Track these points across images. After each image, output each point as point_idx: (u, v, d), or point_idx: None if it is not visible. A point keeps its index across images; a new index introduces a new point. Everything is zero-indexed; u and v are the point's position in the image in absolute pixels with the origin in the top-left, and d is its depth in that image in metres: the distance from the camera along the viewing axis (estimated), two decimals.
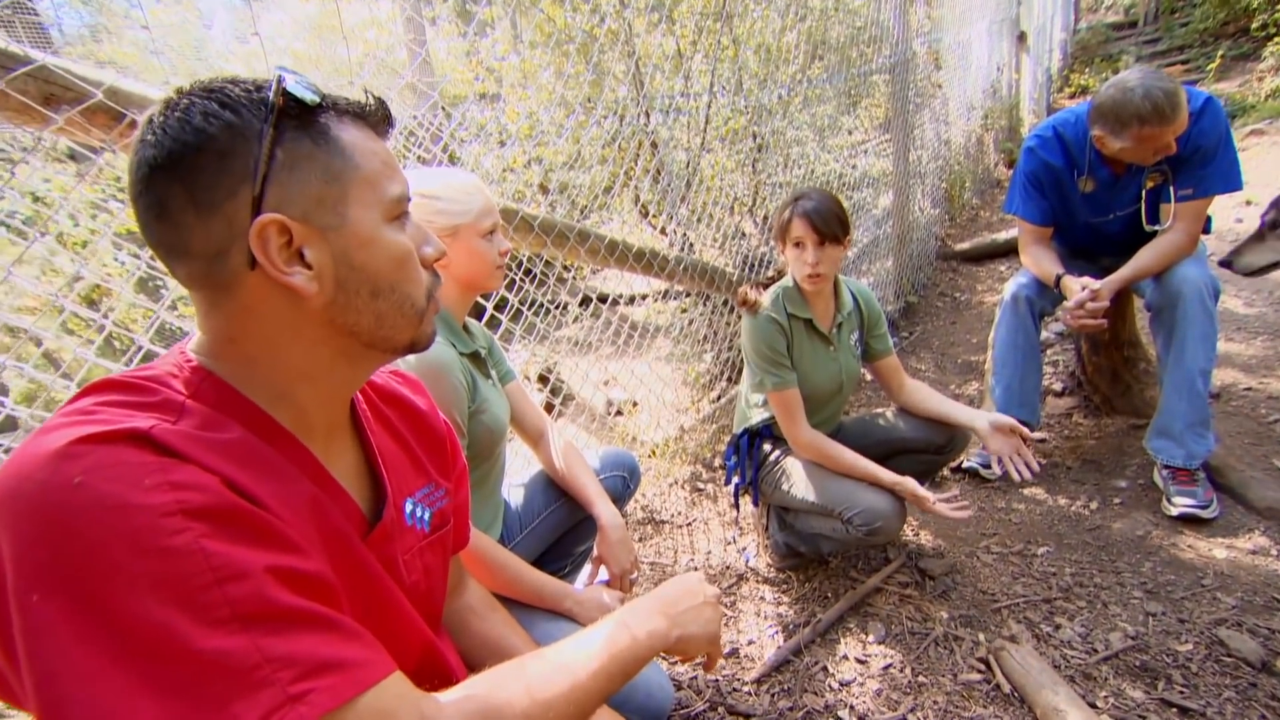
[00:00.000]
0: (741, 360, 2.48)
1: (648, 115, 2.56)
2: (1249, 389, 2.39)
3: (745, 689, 1.49)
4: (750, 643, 1.63)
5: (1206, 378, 1.84)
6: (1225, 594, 1.57)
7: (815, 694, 1.45)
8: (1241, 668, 1.36)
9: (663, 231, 2.86)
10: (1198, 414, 1.85)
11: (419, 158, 1.60)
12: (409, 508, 0.72)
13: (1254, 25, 8.14)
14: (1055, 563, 1.76)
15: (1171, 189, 1.86)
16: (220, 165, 0.51)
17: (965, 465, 2.21)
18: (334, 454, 0.65)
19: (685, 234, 2.68)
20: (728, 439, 2.06)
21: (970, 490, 2.15)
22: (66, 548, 0.42)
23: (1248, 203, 4.04)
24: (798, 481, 1.69)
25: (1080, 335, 2.43)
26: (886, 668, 1.49)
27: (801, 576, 1.84)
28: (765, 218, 3.19)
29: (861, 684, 1.46)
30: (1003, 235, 4.39)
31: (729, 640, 1.64)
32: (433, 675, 0.71)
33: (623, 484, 1.53)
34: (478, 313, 1.71)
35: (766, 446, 1.82)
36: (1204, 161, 1.81)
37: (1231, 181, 1.84)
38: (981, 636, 1.53)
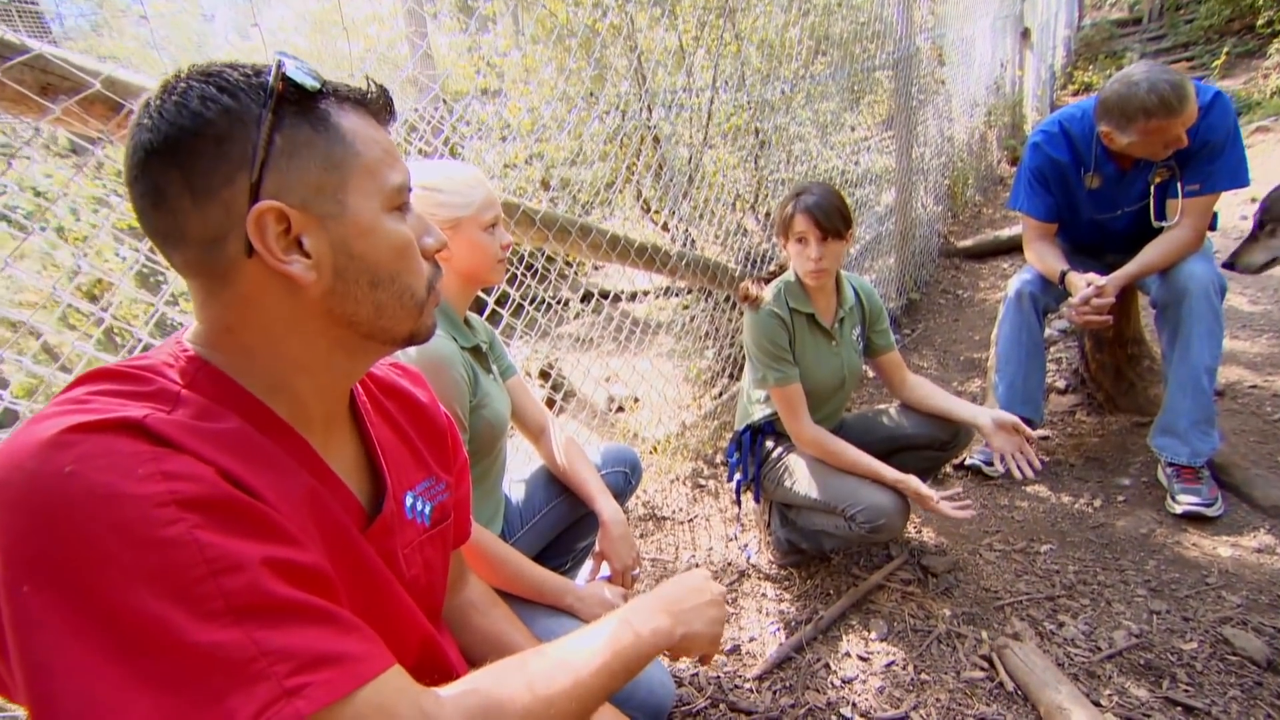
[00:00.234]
0: (743, 356, 2.47)
1: (650, 110, 2.55)
2: (1254, 386, 2.37)
3: (747, 686, 1.48)
4: (752, 639, 1.62)
5: (1212, 375, 1.83)
6: (1230, 592, 1.56)
7: (817, 691, 1.44)
8: (1247, 666, 1.35)
9: (665, 227, 2.85)
10: (1203, 411, 1.83)
11: (420, 150, 1.59)
12: (409, 501, 0.71)
13: (1259, 22, 8.10)
14: (1058, 560, 1.75)
15: (1179, 184, 1.84)
16: (218, 151, 0.50)
17: (968, 462, 2.20)
18: (333, 446, 0.64)
19: (687, 230, 2.67)
20: (729, 435, 2.06)
21: (973, 487, 2.14)
22: (57, 539, 0.41)
23: (1252, 200, 4.02)
24: (800, 478, 1.68)
25: (1084, 332, 2.42)
26: (889, 665, 1.48)
27: (803, 573, 1.83)
28: (767, 214, 3.18)
29: (864, 681, 1.45)
30: (1005, 232, 4.37)
31: (730, 637, 1.63)
32: (433, 670, 0.70)
33: (624, 479, 1.52)
34: (479, 308, 1.70)
35: (769, 443, 1.81)
36: (1211, 157, 1.79)
37: (1239, 177, 1.82)
38: (984, 634, 1.52)
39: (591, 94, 2.56)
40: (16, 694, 0.43)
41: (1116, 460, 2.15)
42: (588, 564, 1.56)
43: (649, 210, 3.04)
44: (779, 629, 1.64)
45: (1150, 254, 1.86)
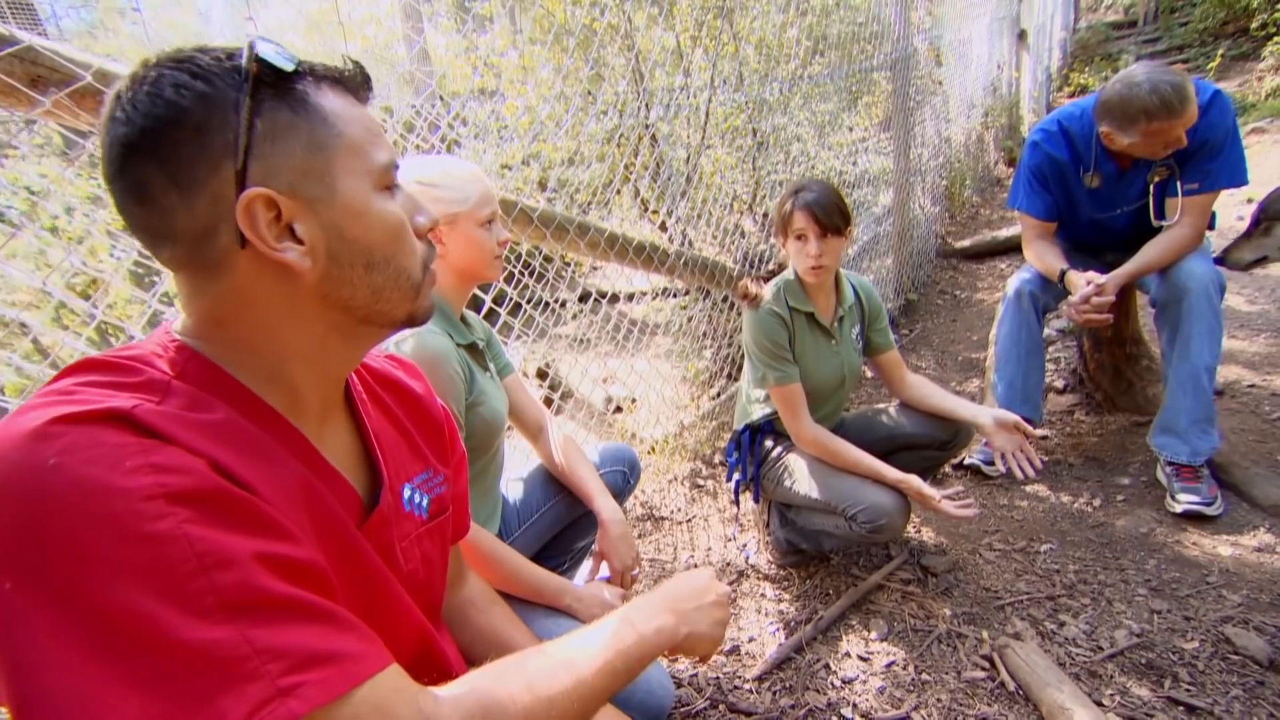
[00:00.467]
0: (741, 357, 2.46)
1: (648, 108, 2.54)
2: (1252, 386, 2.37)
3: (746, 687, 1.47)
4: (751, 640, 1.61)
5: (1211, 374, 1.83)
6: (1231, 591, 1.55)
7: (817, 692, 1.43)
8: (1249, 666, 1.35)
9: (663, 227, 2.84)
10: (1203, 410, 1.83)
11: (416, 147, 1.58)
12: (407, 494, 0.70)
13: (1253, 25, 8.14)
14: (1059, 560, 1.74)
15: (1178, 183, 1.84)
16: (198, 140, 0.49)
17: (967, 462, 2.19)
18: (328, 438, 0.63)
19: (685, 231, 2.66)
20: (728, 436, 2.05)
21: (972, 487, 2.13)
22: (41, 533, 0.40)
23: (1249, 200, 4.03)
24: (800, 477, 1.67)
25: (1082, 332, 2.41)
26: (889, 665, 1.47)
27: (803, 573, 1.82)
28: (765, 215, 3.17)
29: (864, 682, 1.44)
30: (1003, 233, 4.38)
31: (729, 637, 1.62)
32: (430, 668, 0.69)
33: (623, 479, 1.51)
34: (475, 307, 1.69)
35: (768, 442, 1.80)
36: (1211, 156, 1.79)
37: (1238, 176, 1.82)
38: (985, 634, 1.51)
39: (589, 93, 2.55)
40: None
41: (1116, 460, 2.14)
42: (586, 564, 1.54)
43: (646, 209, 3.03)
44: (778, 629, 1.63)
45: (1150, 252, 1.86)
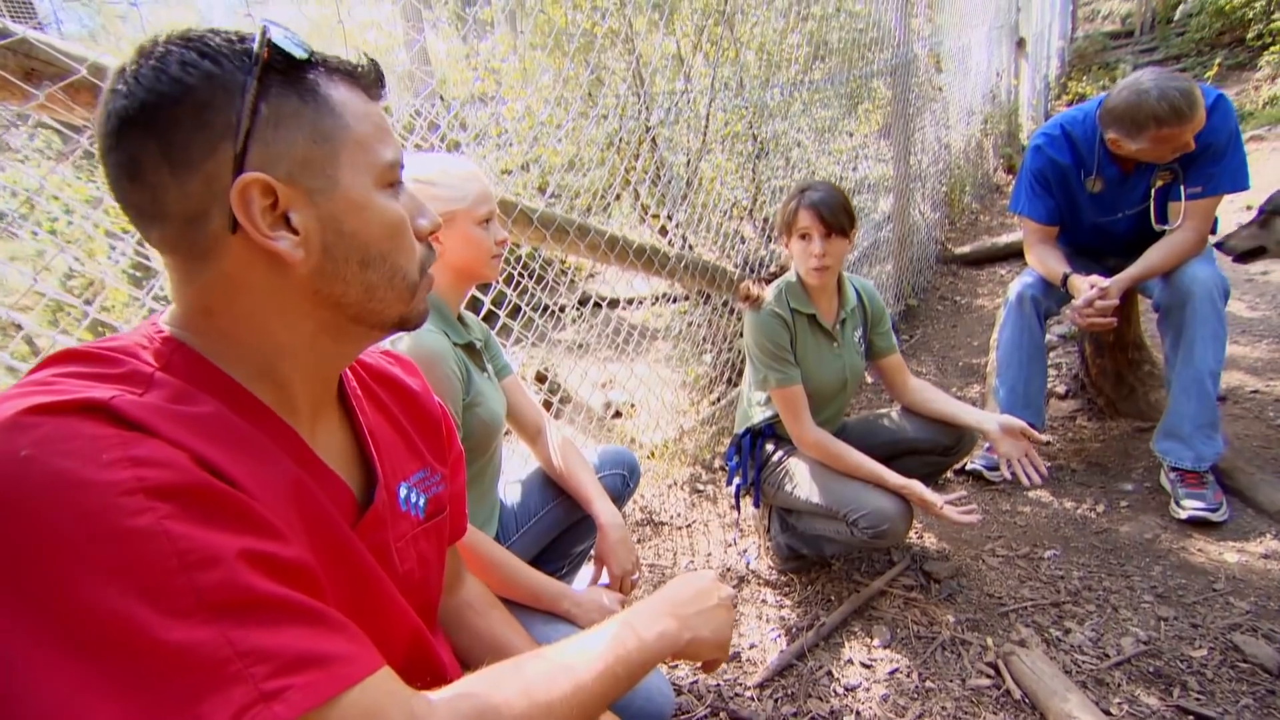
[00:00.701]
0: (741, 361, 2.44)
1: (648, 109, 2.54)
2: (1256, 391, 2.36)
3: (748, 694, 1.45)
4: (752, 646, 1.59)
5: (1215, 378, 1.81)
6: (1238, 598, 1.53)
7: (820, 699, 1.41)
8: (1258, 674, 1.33)
9: (663, 231, 2.83)
10: (1207, 415, 1.82)
11: (415, 145, 1.57)
12: (403, 493, 0.68)
13: (1249, 35, 8.20)
14: (1063, 566, 1.72)
15: (1181, 187, 1.84)
16: (199, 119, 0.47)
17: (969, 467, 2.17)
18: (321, 435, 0.61)
19: (685, 235, 2.65)
20: (728, 441, 2.03)
21: (974, 492, 2.11)
22: (11, 529, 0.38)
23: (1248, 207, 4.03)
24: (801, 482, 1.65)
25: (1084, 337, 2.40)
26: (893, 672, 1.45)
27: (804, 579, 1.80)
28: (766, 220, 3.17)
29: (867, 689, 1.42)
30: (1003, 239, 4.38)
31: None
32: (423, 672, 0.67)
33: (622, 482, 1.49)
34: (474, 309, 1.67)
35: (769, 446, 1.78)
36: (1214, 160, 1.79)
37: (1240, 181, 1.81)
38: (990, 641, 1.49)
39: (590, 94, 2.55)
40: None
41: (1119, 465, 2.12)
42: (585, 569, 1.52)
43: (647, 213, 3.02)
44: (780, 636, 1.61)
45: (1153, 256, 1.85)
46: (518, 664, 0.57)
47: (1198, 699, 1.29)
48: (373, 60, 0.57)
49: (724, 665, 1.53)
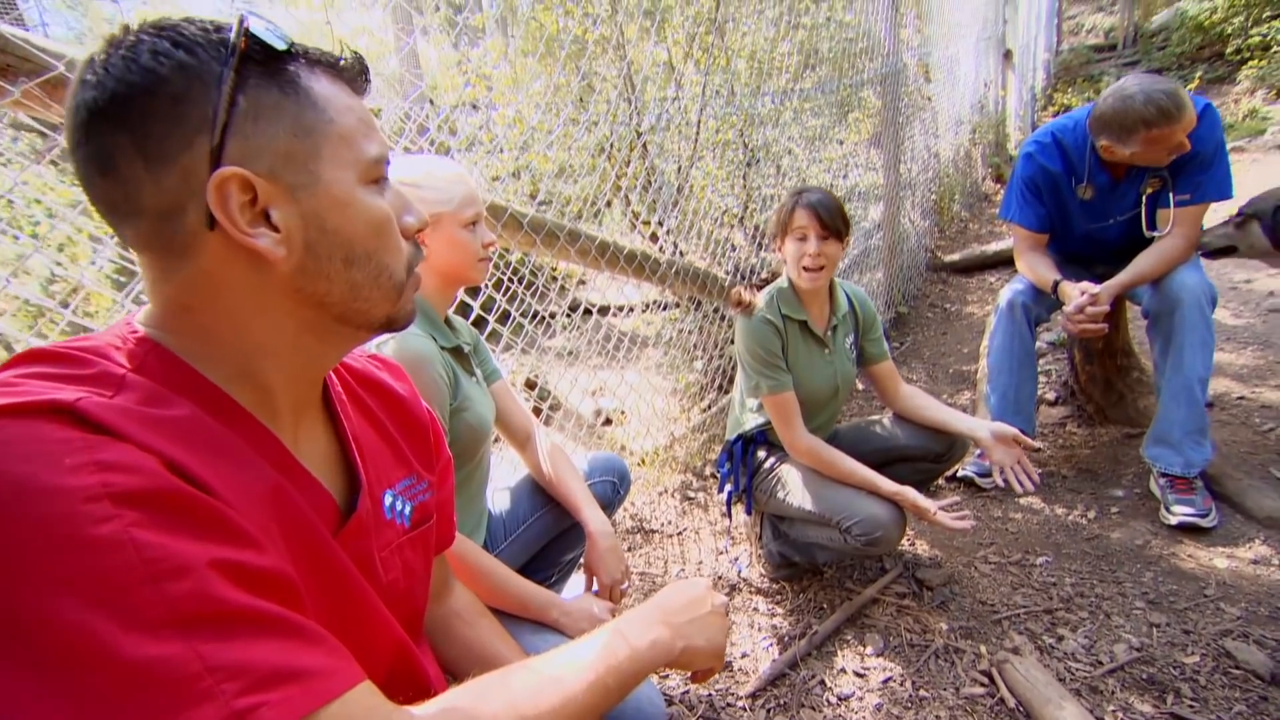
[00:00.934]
0: (732, 368, 2.43)
1: (639, 115, 2.53)
2: (1242, 398, 2.38)
3: (740, 704, 1.43)
4: (744, 655, 1.57)
5: (1204, 385, 1.82)
6: (1229, 604, 1.53)
7: (813, 709, 1.39)
8: (1251, 680, 1.32)
9: (654, 238, 2.82)
10: (1196, 421, 1.82)
11: (405, 149, 1.56)
12: (388, 500, 0.66)
13: (1229, 50, 8.39)
14: (1055, 573, 1.72)
15: (1170, 194, 1.85)
16: (173, 112, 0.46)
17: (960, 474, 2.17)
18: (303, 440, 0.59)
19: (676, 242, 2.65)
20: (719, 448, 2.01)
21: (966, 499, 2.11)
22: None
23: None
24: (794, 489, 1.64)
25: (1073, 344, 2.41)
26: (886, 681, 1.43)
27: (796, 587, 1.78)
28: (757, 228, 3.17)
29: (861, 698, 1.40)
30: (992, 247, 4.41)
31: None
32: (407, 685, 0.65)
33: (612, 490, 1.47)
34: (463, 314, 1.65)
35: (761, 453, 1.77)
36: (1202, 167, 1.81)
37: (1225, 189, 1.84)
38: (983, 648, 1.48)
39: (581, 100, 2.54)
40: None
41: (1109, 472, 2.13)
42: (574, 577, 1.50)
43: (637, 221, 3.02)
44: (772, 644, 1.59)
45: (1143, 263, 1.86)
46: (504, 676, 0.55)
47: (1191, 706, 1.28)
48: (357, 54, 0.55)
49: (716, 675, 1.51)
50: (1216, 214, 1.91)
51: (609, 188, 2.65)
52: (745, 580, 1.84)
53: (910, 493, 1.50)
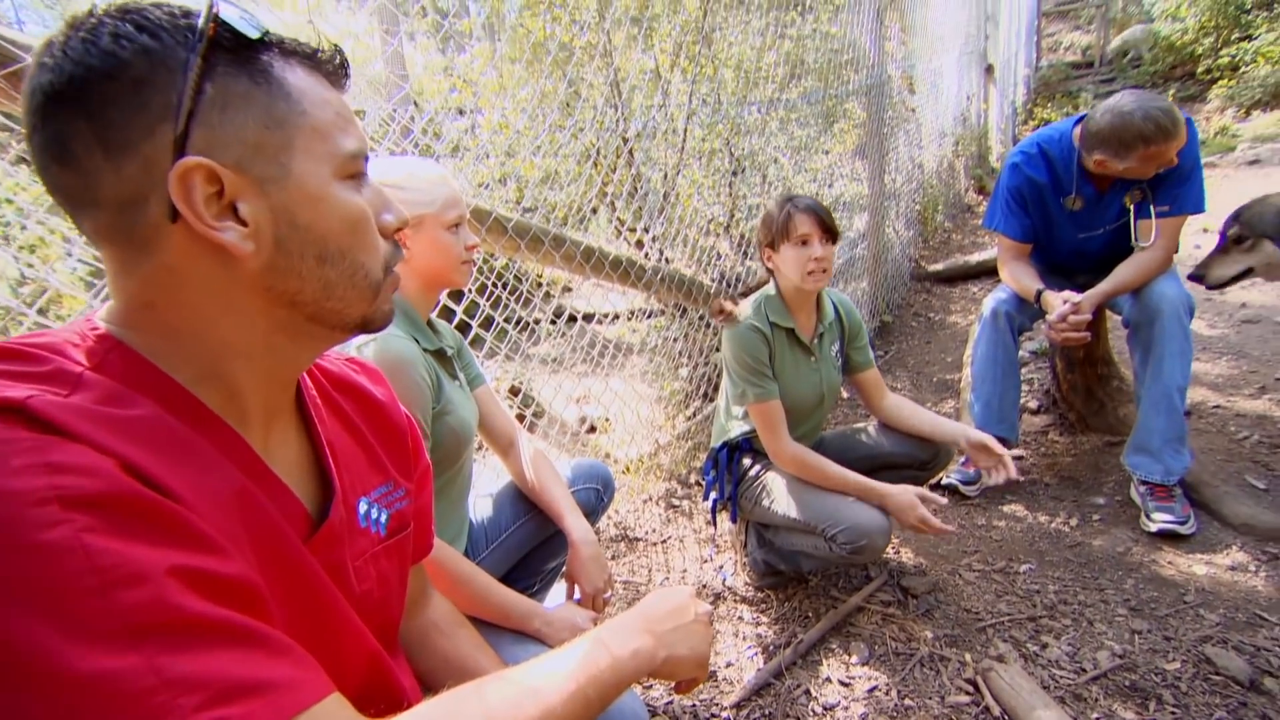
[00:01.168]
0: (718, 376, 2.42)
1: (626, 121, 2.53)
2: (1218, 407, 2.42)
3: (724, 714, 1.41)
4: (728, 665, 1.55)
5: (1183, 394, 1.85)
6: (1208, 610, 1.54)
7: (797, 719, 1.37)
8: (1230, 686, 1.33)
9: (639, 245, 2.82)
10: (1175, 430, 1.85)
11: (389, 150, 1.54)
12: (363, 508, 0.64)
13: (1199, 70, 8.64)
14: (1038, 580, 1.72)
15: (1151, 206, 1.88)
16: (135, 98, 0.44)
17: (945, 482, 2.18)
18: (274, 445, 0.57)
19: (662, 250, 2.64)
20: (704, 456, 2.00)
21: (950, 507, 2.11)
22: None
23: (1204, 230, 4.18)
24: (779, 497, 1.63)
25: (1055, 353, 2.44)
26: (872, 690, 1.42)
27: (781, 595, 1.77)
28: (743, 237, 3.18)
29: (846, 708, 1.39)
30: (975, 257, 4.46)
31: None
32: (381, 699, 0.62)
33: (596, 497, 1.45)
34: (446, 319, 1.63)
35: (746, 461, 1.76)
36: (1180, 181, 1.84)
37: (1200, 203, 1.87)
38: (968, 656, 1.48)
39: (568, 105, 2.54)
40: None
41: (1090, 479, 2.15)
42: (557, 586, 1.48)
43: (623, 227, 3.01)
44: (756, 654, 1.57)
45: (1124, 273, 1.89)
46: (479, 688, 0.53)
47: (1173, 712, 1.29)
48: (336, 46, 0.53)
49: (700, 685, 1.49)
50: (1189, 225, 1.94)
51: (594, 194, 2.65)
52: (730, 589, 1.83)
53: (898, 494, 1.51)
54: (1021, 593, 1.68)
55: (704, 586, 1.84)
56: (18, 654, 0.34)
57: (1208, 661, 1.39)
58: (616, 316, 4.06)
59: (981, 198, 6.27)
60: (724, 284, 2.81)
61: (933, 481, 2.17)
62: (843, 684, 1.45)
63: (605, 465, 1.50)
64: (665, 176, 2.83)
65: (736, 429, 1.76)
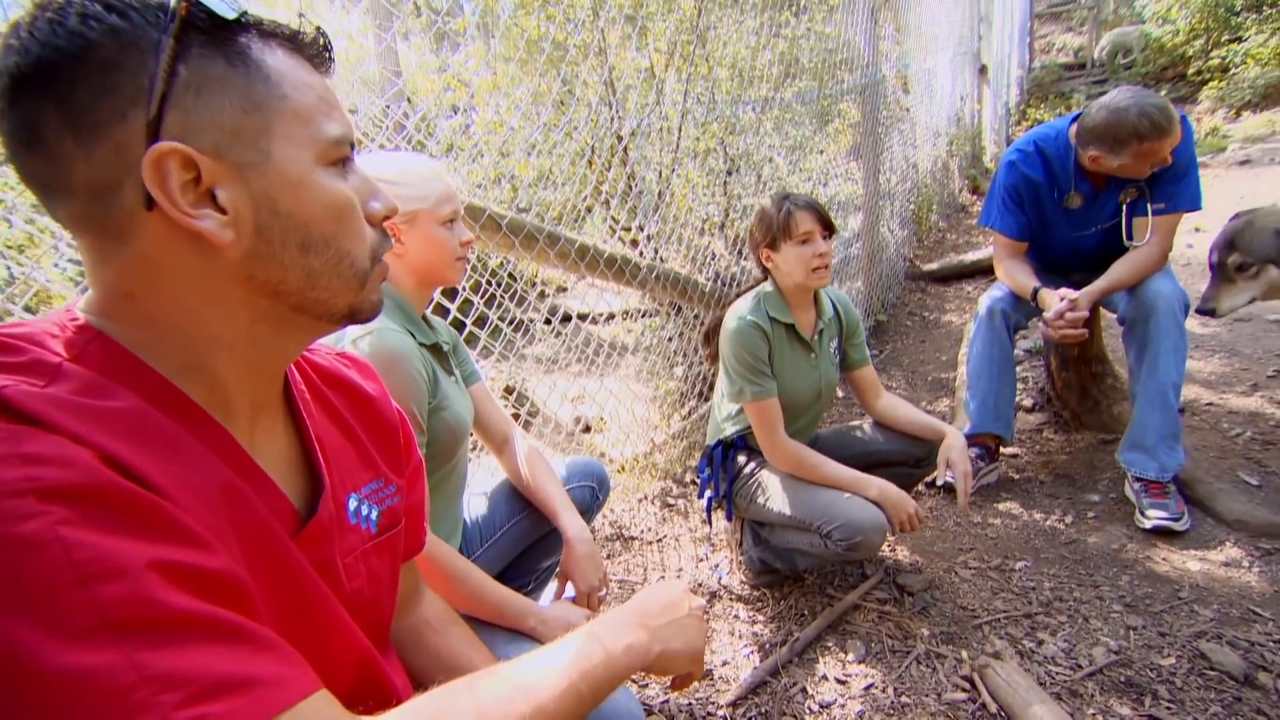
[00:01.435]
0: (713, 375, 2.42)
1: (620, 120, 2.53)
2: (1210, 404, 2.43)
3: (720, 713, 1.40)
4: (725, 663, 1.54)
5: (1177, 391, 1.85)
6: (1202, 606, 1.54)
7: (794, 717, 1.37)
8: (1225, 681, 1.33)
9: (634, 243, 2.81)
10: (1169, 427, 1.85)
11: (381, 146, 1.53)
12: (353, 504, 0.63)
13: (1190, 71, 8.70)
14: (1034, 577, 1.72)
15: (1147, 203, 1.89)
16: (104, 81, 0.42)
17: (939, 481, 2.17)
18: (261, 439, 0.56)
19: (657, 249, 2.64)
20: (699, 454, 2.00)
21: (945, 505, 2.11)
22: None
23: (1196, 229, 4.20)
24: (774, 494, 1.62)
25: (1050, 351, 2.44)
26: (868, 688, 1.42)
27: (777, 594, 1.76)
28: (737, 236, 3.17)
29: (843, 705, 1.38)
30: (969, 256, 4.47)
31: None
32: (371, 695, 0.61)
33: (591, 495, 1.45)
34: (440, 317, 1.62)
35: (741, 458, 1.75)
36: (1175, 178, 1.85)
37: (1196, 201, 1.88)
38: (964, 654, 1.47)
39: (562, 103, 2.53)
40: None
41: (1085, 476, 2.15)
42: (552, 585, 1.47)
43: (618, 226, 3.01)
44: (752, 652, 1.57)
45: (1119, 270, 1.89)
46: (470, 683, 0.52)
47: (1169, 708, 1.29)
48: (318, 28, 0.52)
49: (696, 683, 1.48)
50: (1184, 225, 1.95)
51: (589, 193, 2.64)
52: (726, 587, 1.82)
53: (896, 492, 1.51)
54: (1017, 590, 1.68)
55: (700, 585, 1.84)
56: None
57: (1202, 657, 1.39)
58: (612, 316, 4.06)
59: (975, 197, 6.30)
60: (719, 283, 2.80)
61: (927, 479, 2.18)
62: (839, 682, 1.45)
63: (600, 463, 1.50)
64: (660, 175, 2.83)
65: (732, 426, 1.75)
